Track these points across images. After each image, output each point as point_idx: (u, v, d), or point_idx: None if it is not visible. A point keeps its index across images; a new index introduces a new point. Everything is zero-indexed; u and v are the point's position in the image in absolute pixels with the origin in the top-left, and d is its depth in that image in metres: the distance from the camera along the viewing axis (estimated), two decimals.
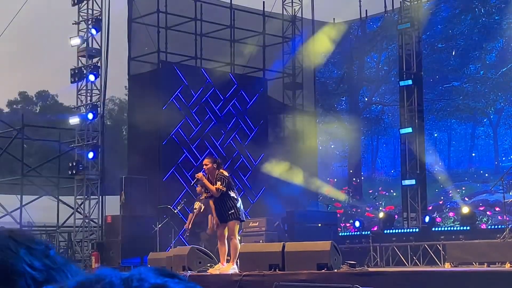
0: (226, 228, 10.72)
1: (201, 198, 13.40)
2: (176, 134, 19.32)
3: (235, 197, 10.72)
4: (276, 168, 19.91)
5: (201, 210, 13.96)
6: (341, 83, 23.09)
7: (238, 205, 10.71)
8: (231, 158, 20.10)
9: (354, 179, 22.11)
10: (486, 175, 19.05)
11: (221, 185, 10.51)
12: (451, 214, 19.25)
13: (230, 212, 10.61)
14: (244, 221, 11.62)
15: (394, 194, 20.58)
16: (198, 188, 13.39)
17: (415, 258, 16.51)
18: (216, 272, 10.66)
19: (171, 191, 18.31)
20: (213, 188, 10.54)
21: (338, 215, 20.40)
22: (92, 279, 0.82)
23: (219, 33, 21.18)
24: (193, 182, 11.33)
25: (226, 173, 10.77)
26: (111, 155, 21.11)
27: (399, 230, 18.32)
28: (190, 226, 14.66)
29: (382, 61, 22.16)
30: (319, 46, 21.99)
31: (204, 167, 10.72)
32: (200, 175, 10.70)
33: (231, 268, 10.53)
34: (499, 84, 19.09)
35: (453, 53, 20.26)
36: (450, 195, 19.44)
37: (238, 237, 11.25)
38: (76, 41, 18.40)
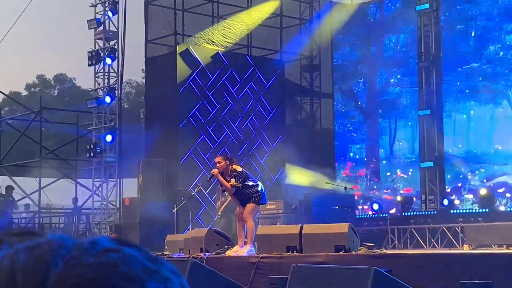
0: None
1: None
2: (193, 117, 19.31)
3: (253, 184, 10.74)
4: (295, 177, 19.89)
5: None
6: (359, 65, 22.92)
7: (259, 189, 10.73)
8: (248, 140, 20.08)
9: (373, 159, 22.01)
10: (507, 156, 18.85)
11: (235, 181, 10.55)
12: (469, 196, 19.12)
13: (253, 196, 10.66)
14: (265, 203, 11.63)
15: (412, 174, 20.45)
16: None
17: (433, 240, 16.44)
18: (233, 254, 10.66)
19: (188, 173, 18.32)
20: (228, 185, 10.61)
21: (356, 197, 20.34)
22: (42, 241, 0.78)
23: (236, 15, 21.07)
24: (208, 178, 11.34)
25: (239, 168, 10.79)
26: (129, 137, 21.13)
27: (417, 213, 18.25)
28: (222, 209, 14.73)
29: (401, 42, 21.96)
30: (335, 27, 21.85)
31: (218, 165, 10.71)
32: (215, 171, 10.72)
33: (249, 250, 10.52)
34: None
35: (472, 34, 20.04)
36: (469, 177, 19.29)
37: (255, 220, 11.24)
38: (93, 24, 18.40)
